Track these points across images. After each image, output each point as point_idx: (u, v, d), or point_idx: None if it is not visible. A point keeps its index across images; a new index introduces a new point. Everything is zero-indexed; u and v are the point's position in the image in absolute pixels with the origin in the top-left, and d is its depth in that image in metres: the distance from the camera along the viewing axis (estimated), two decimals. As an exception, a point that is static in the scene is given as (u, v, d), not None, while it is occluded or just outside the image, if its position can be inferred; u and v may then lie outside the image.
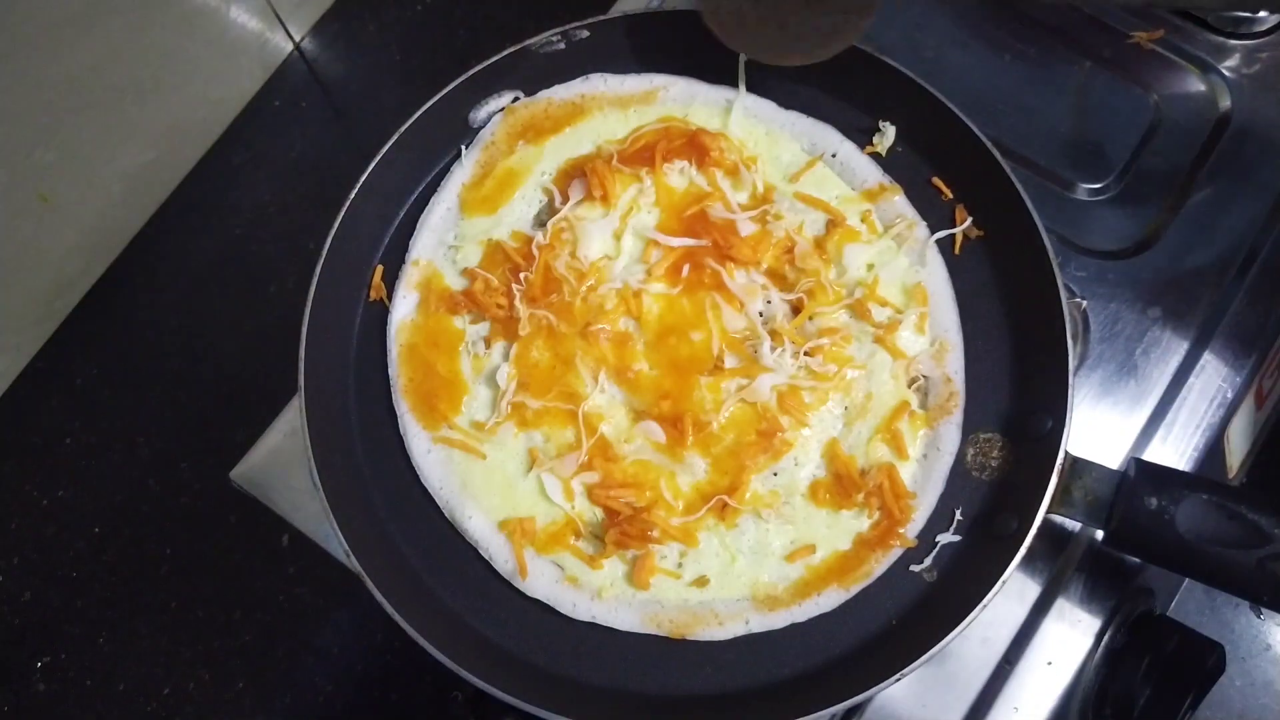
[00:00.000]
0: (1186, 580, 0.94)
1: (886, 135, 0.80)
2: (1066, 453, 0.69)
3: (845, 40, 0.73)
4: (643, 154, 0.79)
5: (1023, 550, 0.67)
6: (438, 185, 0.81)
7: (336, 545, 0.69)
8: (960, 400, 0.75)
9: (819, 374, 0.75)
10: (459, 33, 1.80)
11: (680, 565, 0.73)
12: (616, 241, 0.79)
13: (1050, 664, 0.76)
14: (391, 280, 0.79)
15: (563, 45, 0.80)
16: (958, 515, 0.73)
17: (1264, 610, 1.09)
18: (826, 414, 0.75)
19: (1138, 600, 0.79)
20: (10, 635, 1.52)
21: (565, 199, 0.79)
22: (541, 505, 0.74)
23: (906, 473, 0.74)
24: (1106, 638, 0.77)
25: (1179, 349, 0.83)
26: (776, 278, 0.78)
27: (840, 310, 0.76)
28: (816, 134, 0.81)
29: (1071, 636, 0.77)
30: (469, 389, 0.76)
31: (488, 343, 0.77)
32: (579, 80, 0.83)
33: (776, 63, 0.75)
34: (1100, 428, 0.81)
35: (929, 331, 0.76)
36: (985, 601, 0.66)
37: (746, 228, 0.77)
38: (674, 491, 0.74)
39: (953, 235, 0.78)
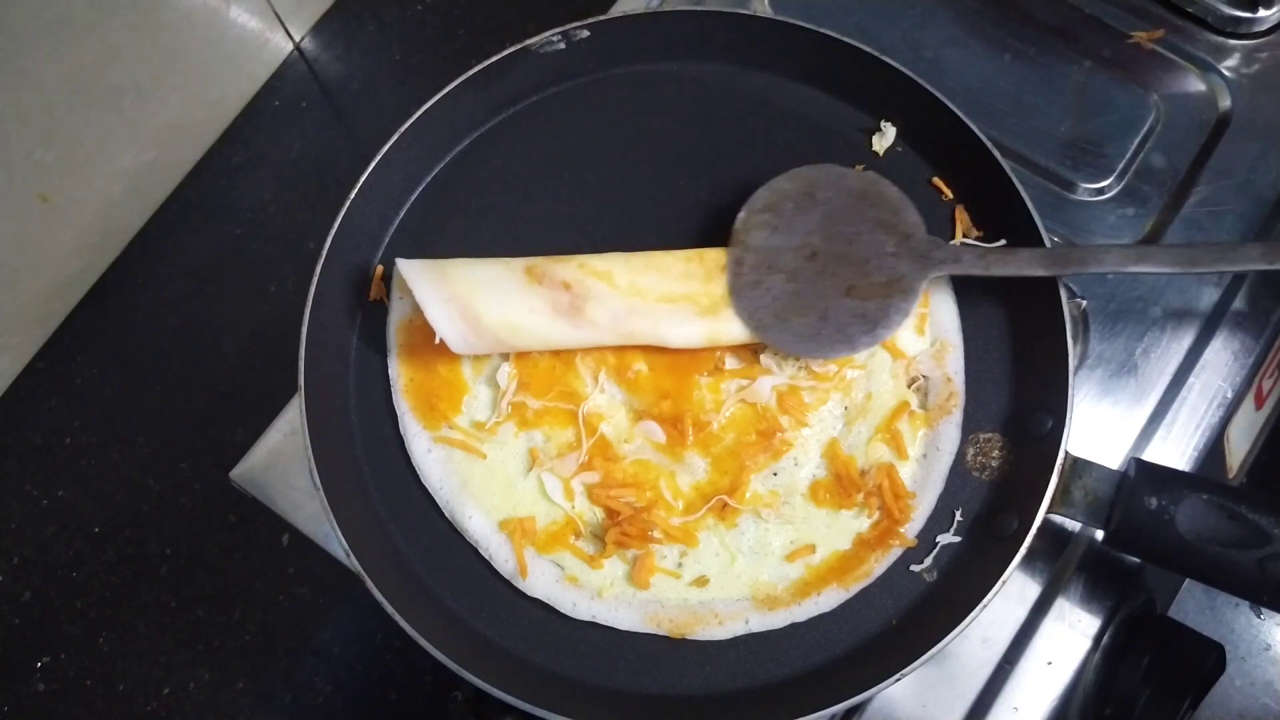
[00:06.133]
0: (1186, 580, 0.94)
1: (886, 135, 0.80)
2: (1067, 453, 0.69)
3: (891, 327, 0.72)
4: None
5: (1023, 550, 0.67)
6: (438, 185, 0.81)
7: (336, 545, 0.69)
8: (960, 400, 0.75)
9: (819, 374, 0.75)
10: (459, 33, 1.80)
11: (680, 565, 0.73)
12: (616, 241, 0.79)
13: (1050, 664, 0.76)
14: (391, 280, 0.79)
15: (563, 45, 0.80)
16: (958, 515, 0.73)
17: (1264, 610, 1.09)
18: (826, 414, 0.75)
19: (1138, 600, 0.79)
20: (10, 635, 1.52)
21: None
22: (542, 505, 0.74)
23: (906, 472, 0.74)
24: (1106, 638, 0.77)
25: (1179, 349, 0.83)
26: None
27: (840, 310, 0.76)
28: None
29: (1071, 636, 0.77)
30: (469, 389, 0.76)
31: (488, 343, 0.77)
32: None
33: (817, 357, 0.74)
34: (1100, 428, 0.81)
35: (929, 332, 0.76)
36: (985, 601, 0.66)
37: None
38: (674, 491, 0.74)
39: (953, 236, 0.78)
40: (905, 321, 0.73)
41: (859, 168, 0.80)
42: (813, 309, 0.73)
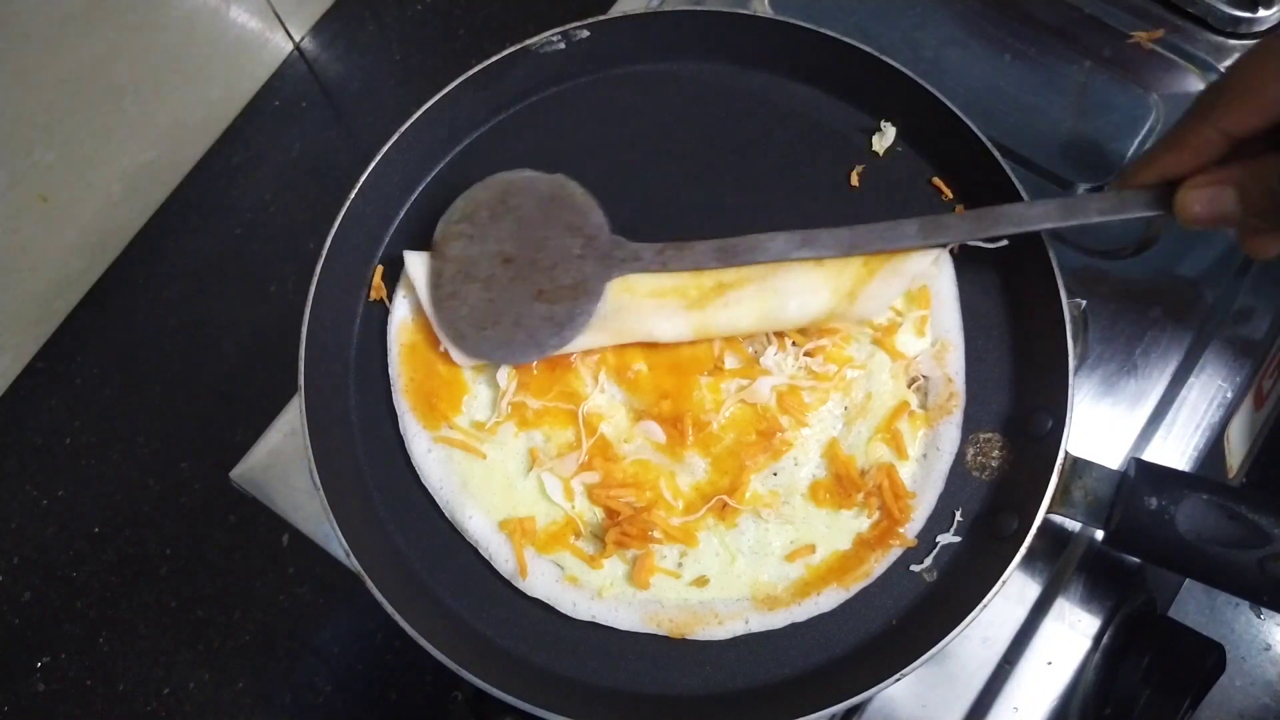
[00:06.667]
0: (1186, 580, 0.94)
1: (886, 135, 0.80)
2: (1066, 453, 0.69)
3: (577, 328, 0.72)
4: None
5: (1023, 550, 0.67)
6: (438, 185, 0.81)
7: (336, 545, 0.69)
8: (960, 400, 0.75)
9: (819, 374, 0.75)
10: (459, 33, 1.81)
11: (680, 565, 0.73)
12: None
13: (1050, 664, 0.76)
14: (391, 280, 0.79)
15: (563, 45, 0.80)
16: (958, 515, 0.73)
17: (1264, 610, 1.10)
18: (826, 414, 0.75)
19: (1138, 600, 0.79)
20: (10, 635, 1.52)
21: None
22: (542, 505, 0.74)
23: (906, 472, 0.74)
24: (1106, 638, 0.77)
25: (1179, 349, 0.83)
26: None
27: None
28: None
29: (1071, 636, 0.77)
30: (469, 388, 0.76)
31: (488, 343, 0.77)
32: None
33: (513, 363, 0.75)
34: (1100, 428, 0.81)
35: (929, 332, 0.76)
36: (985, 601, 0.66)
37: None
38: (674, 491, 0.74)
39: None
40: (588, 322, 0.73)
41: (859, 168, 0.80)
42: (506, 316, 0.73)
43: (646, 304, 0.73)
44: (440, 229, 0.76)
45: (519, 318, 0.73)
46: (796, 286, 0.73)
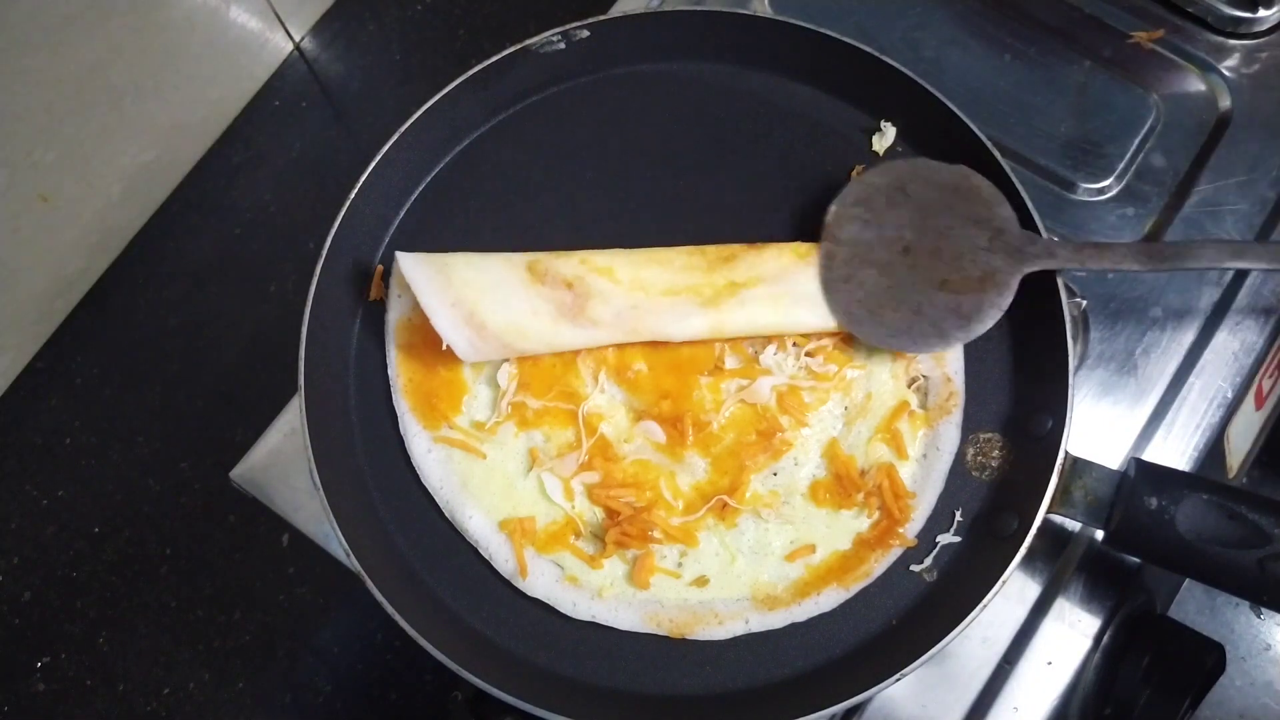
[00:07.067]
0: (1186, 580, 0.94)
1: (886, 135, 0.80)
2: (1066, 453, 0.69)
3: (984, 322, 0.72)
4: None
5: (1023, 550, 0.67)
6: (438, 184, 0.81)
7: (336, 545, 0.69)
8: (960, 400, 0.75)
9: (819, 374, 0.75)
10: (459, 33, 1.81)
11: (680, 565, 0.73)
12: (616, 241, 0.79)
13: (1050, 664, 0.76)
14: (390, 279, 0.79)
15: (563, 45, 0.80)
16: (958, 515, 0.73)
17: (1264, 610, 1.10)
18: (826, 414, 0.75)
19: (1138, 600, 0.79)
20: (10, 635, 1.52)
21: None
22: (542, 505, 0.74)
23: (906, 472, 0.74)
24: (1106, 638, 0.77)
25: (1179, 349, 0.83)
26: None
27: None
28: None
29: (1071, 636, 0.77)
30: (469, 388, 0.76)
31: (488, 343, 0.77)
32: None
33: (913, 351, 0.74)
34: (1100, 428, 0.81)
35: (929, 331, 0.76)
36: (985, 601, 0.66)
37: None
38: (674, 491, 0.74)
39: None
40: (998, 316, 0.73)
41: (859, 168, 0.80)
42: (906, 303, 0.73)
43: (661, 302, 0.73)
44: (833, 212, 0.76)
45: (920, 306, 0.73)
46: (812, 287, 0.73)
